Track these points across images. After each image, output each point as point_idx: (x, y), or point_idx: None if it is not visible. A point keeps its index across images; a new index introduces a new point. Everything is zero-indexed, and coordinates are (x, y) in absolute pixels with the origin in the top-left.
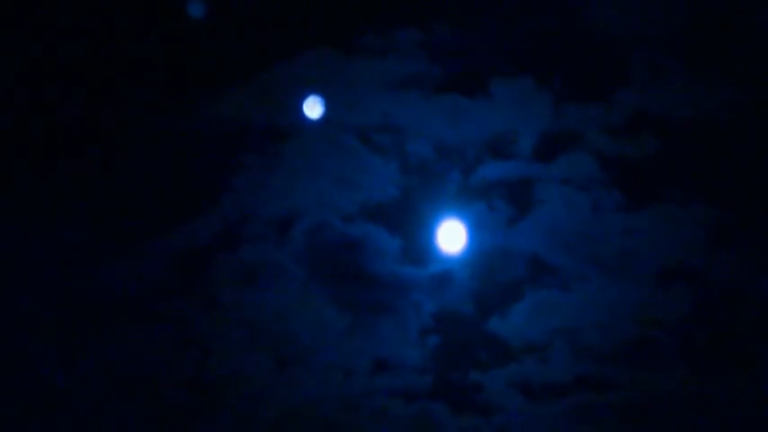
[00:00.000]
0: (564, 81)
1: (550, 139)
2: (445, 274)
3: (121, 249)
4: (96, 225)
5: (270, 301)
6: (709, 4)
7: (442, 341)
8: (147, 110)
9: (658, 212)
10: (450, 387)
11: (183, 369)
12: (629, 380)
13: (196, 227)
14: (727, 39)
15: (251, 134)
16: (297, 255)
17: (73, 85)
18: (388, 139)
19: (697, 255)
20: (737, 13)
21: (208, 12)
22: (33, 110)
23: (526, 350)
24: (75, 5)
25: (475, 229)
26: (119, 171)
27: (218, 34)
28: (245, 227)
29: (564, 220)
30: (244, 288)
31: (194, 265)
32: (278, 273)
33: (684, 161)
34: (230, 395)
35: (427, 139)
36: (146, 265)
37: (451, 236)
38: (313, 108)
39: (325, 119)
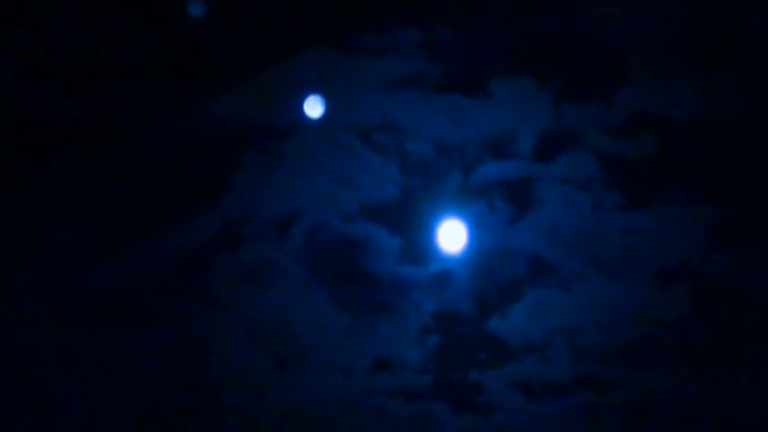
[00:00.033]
0: (564, 81)
1: (550, 138)
2: (445, 274)
3: (120, 249)
4: (95, 224)
5: (270, 301)
6: (709, 4)
7: (442, 341)
8: (147, 109)
9: (658, 212)
10: (450, 387)
11: (183, 369)
12: (629, 380)
13: (196, 227)
14: (727, 39)
15: (251, 134)
16: (297, 254)
17: (72, 85)
18: (388, 139)
19: (697, 255)
20: (738, 13)
21: (208, 12)
22: (32, 109)
23: (526, 350)
24: (75, 5)
25: (475, 229)
26: (118, 170)
27: (218, 34)
28: (246, 226)
29: (564, 219)
30: (244, 288)
31: (194, 264)
32: (278, 272)
33: (684, 161)
34: (230, 395)
35: (427, 138)
36: (145, 265)
37: (451, 235)
38: (313, 108)
39: (325, 118)
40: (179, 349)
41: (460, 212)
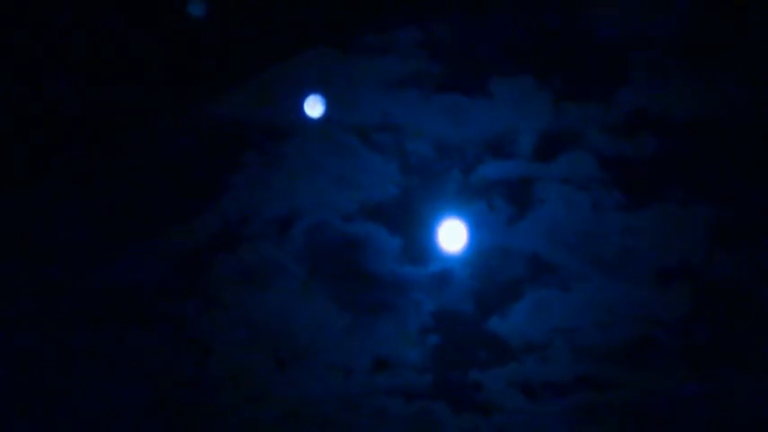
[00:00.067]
0: (564, 80)
1: (550, 138)
2: (445, 274)
3: (120, 249)
4: (96, 224)
5: (270, 301)
6: (709, 4)
7: (442, 340)
8: (147, 109)
9: (658, 212)
10: (450, 386)
11: (183, 369)
12: (629, 380)
13: (196, 227)
14: (727, 39)
15: (251, 133)
16: (297, 254)
17: (72, 85)
18: (388, 139)
19: (697, 255)
20: (738, 13)
21: (208, 12)
22: (32, 109)
23: (526, 349)
24: (75, 5)
25: (475, 229)
26: (118, 170)
27: (218, 34)
28: (245, 226)
29: (564, 219)
30: (244, 288)
31: (194, 264)
32: (278, 272)
33: (684, 161)
34: (230, 395)
35: (427, 138)
36: (145, 265)
37: (451, 235)
38: (313, 107)
39: (325, 118)
40: (179, 349)
41: (460, 212)
